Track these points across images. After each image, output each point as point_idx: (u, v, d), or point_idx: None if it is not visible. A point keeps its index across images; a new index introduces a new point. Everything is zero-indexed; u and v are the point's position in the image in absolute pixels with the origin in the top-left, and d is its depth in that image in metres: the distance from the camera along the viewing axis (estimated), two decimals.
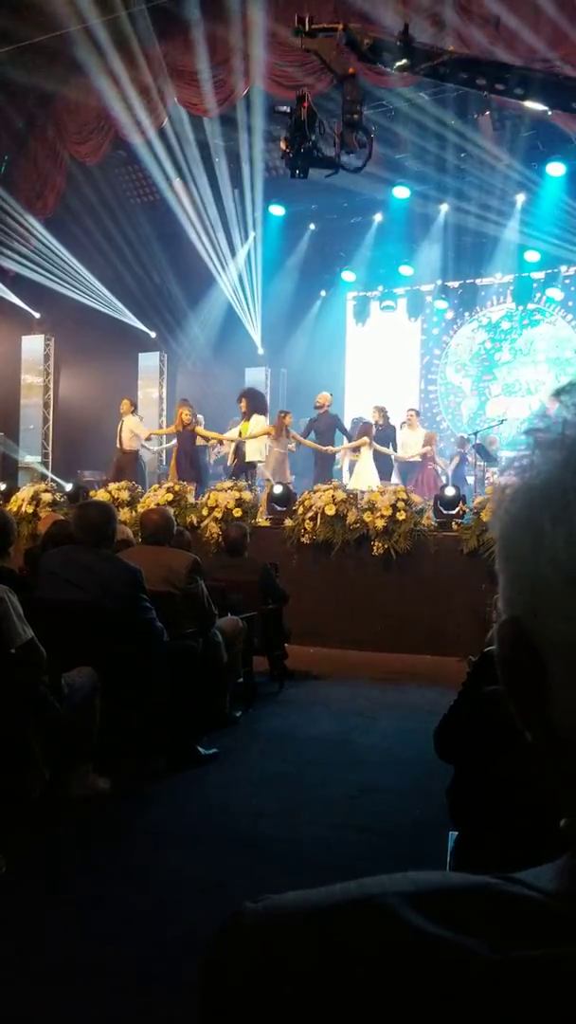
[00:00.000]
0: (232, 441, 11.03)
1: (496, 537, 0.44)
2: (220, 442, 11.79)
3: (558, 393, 0.44)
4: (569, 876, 0.39)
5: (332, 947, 0.38)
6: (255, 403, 10.74)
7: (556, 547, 0.39)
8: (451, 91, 10.28)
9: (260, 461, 10.61)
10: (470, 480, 11.98)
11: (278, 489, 8.72)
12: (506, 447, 12.70)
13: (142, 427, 11.58)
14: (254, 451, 10.51)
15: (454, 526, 7.68)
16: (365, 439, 10.82)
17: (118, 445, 11.43)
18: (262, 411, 10.75)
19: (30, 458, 14.65)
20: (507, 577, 0.43)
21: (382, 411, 11.60)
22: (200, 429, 11.03)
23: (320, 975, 0.38)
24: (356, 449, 10.94)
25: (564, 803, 0.42)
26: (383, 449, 11.16)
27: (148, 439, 11.78)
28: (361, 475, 10.47)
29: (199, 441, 11.15)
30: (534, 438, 0.43)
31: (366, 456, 10.76)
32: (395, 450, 11.65)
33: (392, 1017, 0.35)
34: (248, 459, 10.48)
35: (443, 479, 11.45)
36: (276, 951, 0.40)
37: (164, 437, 12.65)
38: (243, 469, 10.36)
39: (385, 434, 11.38)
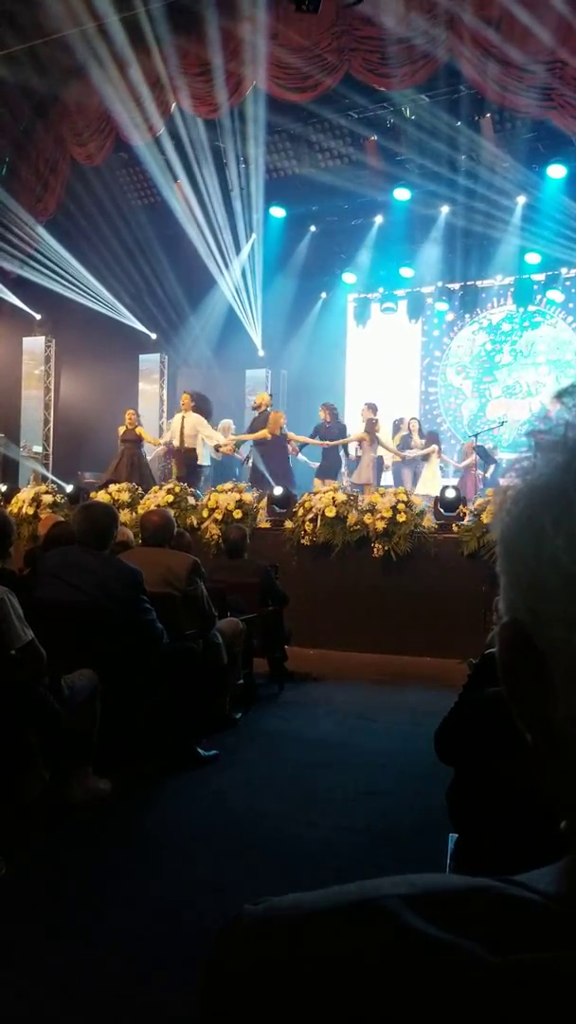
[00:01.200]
0: (323, 446, 11.17)
1: (498, 539, 0.44)
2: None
3: (560, 395, 0.44)
4: (569, 879, 0.39)
5: (332, 949, 0.38)
6: (197, 406, 10.96)
7: (557, 549, 0.39)
8: (452, 93, 10.32)
9: (207, 464, 10.89)
10: None
11: (278, 491, 8.72)
12: (507, 449, 12.73)
13: (211, 429, 10.91)
14: (202, 454, 10.73)
15: (454, 528, 7.68)
16: (434, 447, 11.54)
17: (175, 443, 10.73)
18: (204, 414, 10.83)
19: (37, 448, 14.63)
20: (508, 579, 0.43)
21: (330, 409, 11.52)
22: (291, 435, 10.95)
23: (320, 977, 0.38)
24: (426, 456, 11.58)
25: (564, 805, 0.42)
26: (443, 456, 11.60)
27: (219, 446, 11.13)
28: (428, 481, 10.87)
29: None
30: (536, 440, 0.43)
31: (434, 462, 11.45)
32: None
33: (392, 1020, 0.35)
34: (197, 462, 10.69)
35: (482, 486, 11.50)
36: (276, 953, 0.40)
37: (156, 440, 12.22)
38: (192, 471, 10.46)
39: (331, 433, 11.30)
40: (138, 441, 11.28)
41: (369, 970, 0.37)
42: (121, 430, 11.41)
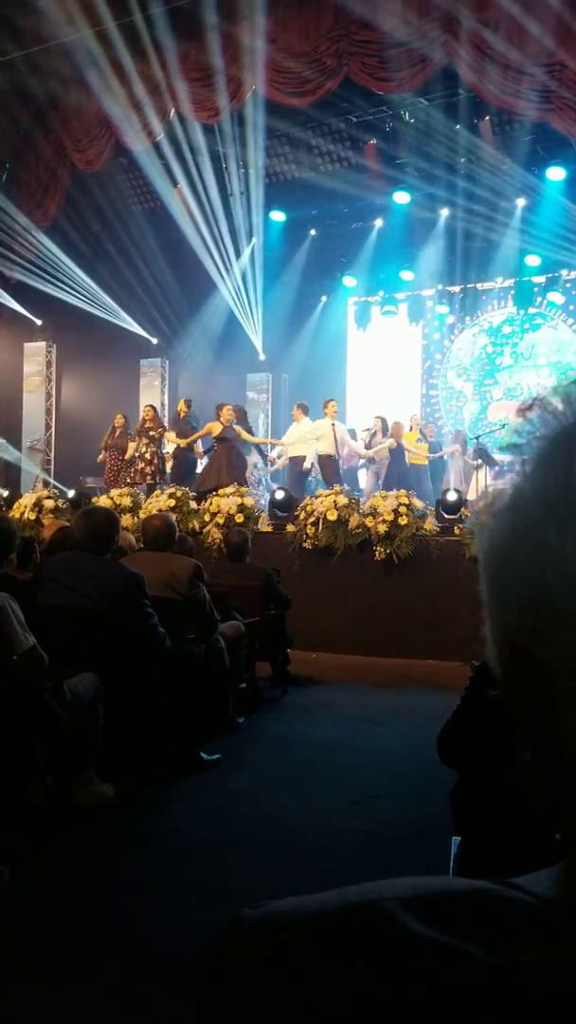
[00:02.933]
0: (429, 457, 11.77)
1: (484, 551, 0.42)
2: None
3: (528, 408, 0.43)
4: (566, 882, 0.39)
5: (330, 952, 0.38)
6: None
7: (565, 558, 0.37)
8: (451, 96, 10.34)
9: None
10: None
11: (280, 495, 8.73)
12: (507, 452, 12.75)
13: (351, 439, 11.12)
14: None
15: (456, 530, 7.67)
16: (456, 447, 12.30)
17: (328, 450, 10.52)
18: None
19: (39, 442, 14.69)
20: (499, 594, 0.41)
21: (238, 410, 11.55)
22: (410, 449, 11.37)
23: (319, 980, 0.38)
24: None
25: (561, 818, 0.41)
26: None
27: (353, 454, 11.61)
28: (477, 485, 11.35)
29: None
30: (522, 450, 0.41)
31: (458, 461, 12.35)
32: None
33: (390, 1022, 0.35)
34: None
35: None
36: (274, 957, 0.40)
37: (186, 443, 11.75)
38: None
39: (228, 432, 11.22)
40: (236, 439, 10.51)
41: (366, 973, 0.37)
42: (215, 428, 10.41)
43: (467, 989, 0.35)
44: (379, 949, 0.37)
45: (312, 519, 7.98)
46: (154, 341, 15.66)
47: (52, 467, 14.95)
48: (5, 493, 10.42)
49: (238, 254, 13.76)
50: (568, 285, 14.49)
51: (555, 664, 0.38)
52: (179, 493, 8.98)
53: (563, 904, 0.38)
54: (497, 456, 12.05)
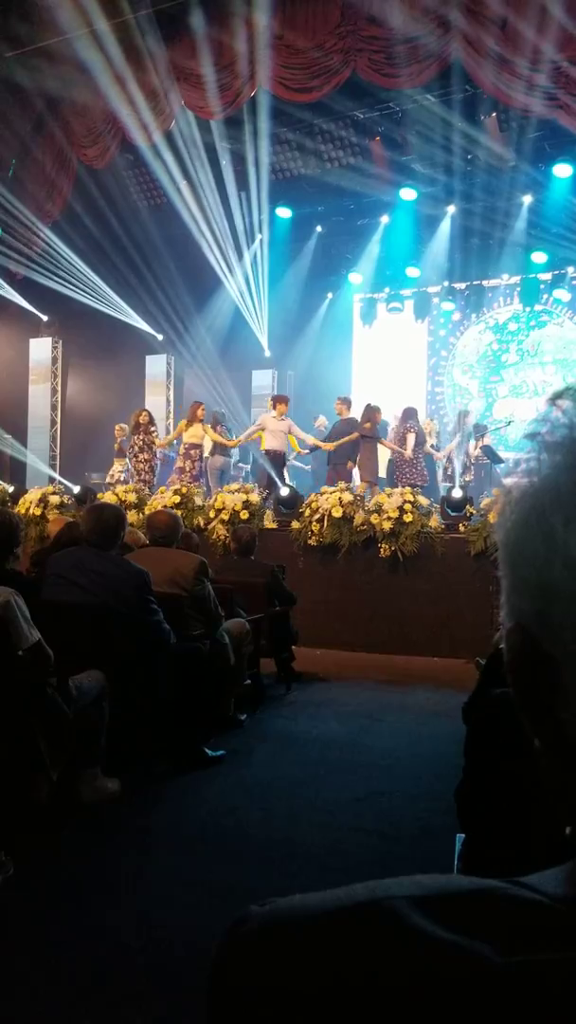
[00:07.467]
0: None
1: (500, 541, 0.43)
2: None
3: (558, 396, 0.43)
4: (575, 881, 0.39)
5: (338, 950, 0.38)
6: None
7: (570, 549, 0.38)
8: (458, 92, 10.31)
9: None
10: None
11: (284, 492, 8.72)
12: (513, 449, 12.72)
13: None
14: None
15: (461, 528, 7.67)
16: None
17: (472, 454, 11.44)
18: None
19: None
20: (513, 582, 0.42)
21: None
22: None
23: (326, 979, 0.38)
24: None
25: (570, 810, 0.41)
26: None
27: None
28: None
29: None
30: (540, 441, 0.42)
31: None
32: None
33: (400, 1021, 0.35)
34: None
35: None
36: (281, 955, 0.40)
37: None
38: None
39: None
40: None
41: (376, 972, 0.37)
42: None
43: (478, 990, 0.34)
44: (388, 948, 0.37)
45: (317, 516, 7.99)
46: (160, 337, 15.66)
47: (57, 463, 14.97)
48: (10, 489, 10.44)
49: (244, 251, 13.74)
50: (574, 282, 14.45)
51: (558, 652, 0.39)
52: (184, 489, 8.99)
53: (573, 903, 0.38)
54: (503, 453, 12.04)
